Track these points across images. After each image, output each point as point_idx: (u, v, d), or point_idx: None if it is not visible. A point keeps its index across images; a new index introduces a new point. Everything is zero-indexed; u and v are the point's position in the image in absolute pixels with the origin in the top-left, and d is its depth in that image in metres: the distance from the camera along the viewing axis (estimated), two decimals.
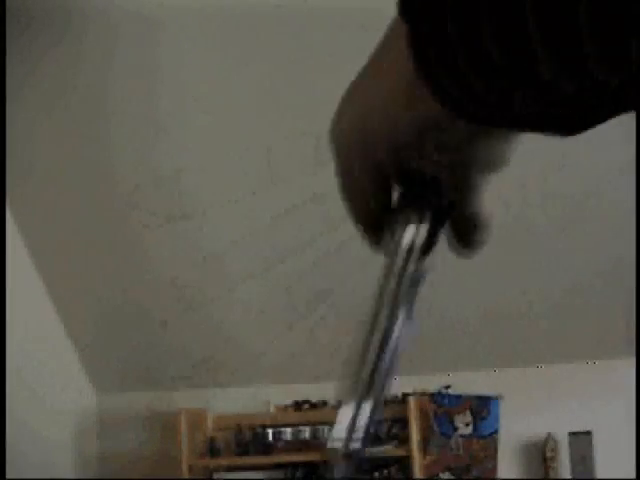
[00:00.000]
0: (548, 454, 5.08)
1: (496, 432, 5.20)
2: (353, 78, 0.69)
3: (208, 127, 4.51)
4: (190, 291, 5.21)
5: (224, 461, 5.39)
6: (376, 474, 5.24)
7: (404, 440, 5.16)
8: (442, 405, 5.25)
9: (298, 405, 5.45)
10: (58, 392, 5.41)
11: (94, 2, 4.15)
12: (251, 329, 5.31)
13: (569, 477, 5.06)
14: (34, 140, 4.64)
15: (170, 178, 4.70)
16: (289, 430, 5.35)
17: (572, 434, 5.06)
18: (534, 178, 4.50)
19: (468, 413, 5.23)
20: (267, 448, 5.33)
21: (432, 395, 5.24)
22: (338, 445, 0.68)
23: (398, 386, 5.22)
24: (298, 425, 5.36)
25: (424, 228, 0.70)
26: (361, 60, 0.70)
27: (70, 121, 4.56)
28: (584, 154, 4.33)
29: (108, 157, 4.73)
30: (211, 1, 4.02)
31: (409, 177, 0.67)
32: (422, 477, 5.15)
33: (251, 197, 4.68)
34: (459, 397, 5.24)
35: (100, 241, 5.08)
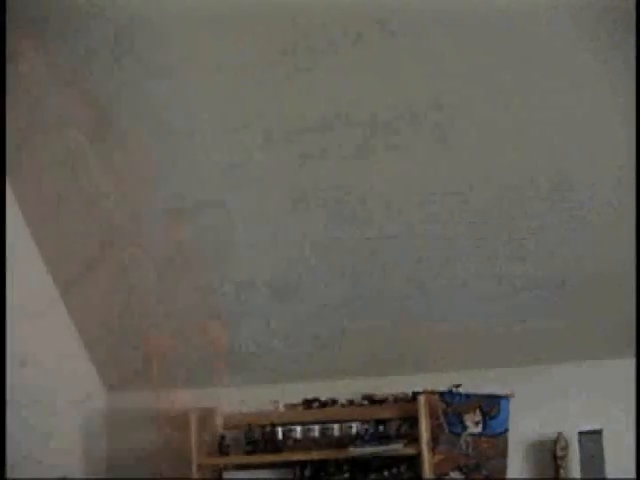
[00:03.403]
0: (558, 453, 5.07)
1: (506, 431, 5.19)
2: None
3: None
4: (197, 290, 5.22)
5: (234, 459, 5.39)
6: (386, 472, 5.24)
7: (414, 439, 5.16)
8: (452, 404, 5.24)
9: (307, 403, 5.44)
10: (68, 391, 5.41)
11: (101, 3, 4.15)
12: (260, 328, 5.32)
13: (579, 476, 5.06)
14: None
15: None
16: (299, 428, 5.34)
17: (582, 433, 5.05)
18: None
19: (478, 412, 5.23)
20: (277, 446, 5.32)
21: (442, 394, 5.24)
22: None
23: (408, 385, 5.22)
24: (307, 423, 5.35)
25: None
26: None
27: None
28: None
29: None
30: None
31: None
32: (432, 476, 5.15)
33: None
34: (469, 396, 5.24)
35: (110, 239, 5.09)
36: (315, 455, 5.26)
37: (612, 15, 3.95)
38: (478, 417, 5.23)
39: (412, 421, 5.19)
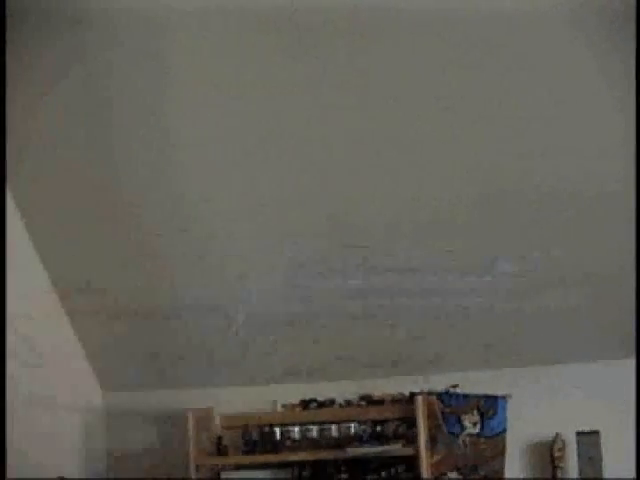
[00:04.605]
0: (556, 454, 5.07)
1: (504, 431, 5.19)
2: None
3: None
4: (194, 292, 5.23)
5: (231, 460, 5.39)
6: (383, 473, 5.24)
7: (412, 439, 5.15)
8: (450, 404, 5.24)
9: (305, 404, 5.44)
10: (66, 391, 5.42)
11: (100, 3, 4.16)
12: (257, 329, 5.32)
13: (577, 477, 5.06)
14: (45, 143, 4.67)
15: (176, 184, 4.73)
16: (296, 429, 5.34)
17: (580, 434, 5.05)
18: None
19: (476, 412, 5.22)
20: (274, 447, 5.32)
21: (440, 395, 5.23)
22: None
23: (406, 386, 5.22)
24: (305, 424, 5.35)
25: None
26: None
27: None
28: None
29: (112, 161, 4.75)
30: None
31: None
32: (429, 476, 5.13)
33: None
34: (467, 397, 5.23)
35: (107, 239, 5.10)
36: (313, 455, 5.25)
37: (609, 14, 3.95)
38: (476, 417, 5.22)
39: (410, 422, 5.18)
